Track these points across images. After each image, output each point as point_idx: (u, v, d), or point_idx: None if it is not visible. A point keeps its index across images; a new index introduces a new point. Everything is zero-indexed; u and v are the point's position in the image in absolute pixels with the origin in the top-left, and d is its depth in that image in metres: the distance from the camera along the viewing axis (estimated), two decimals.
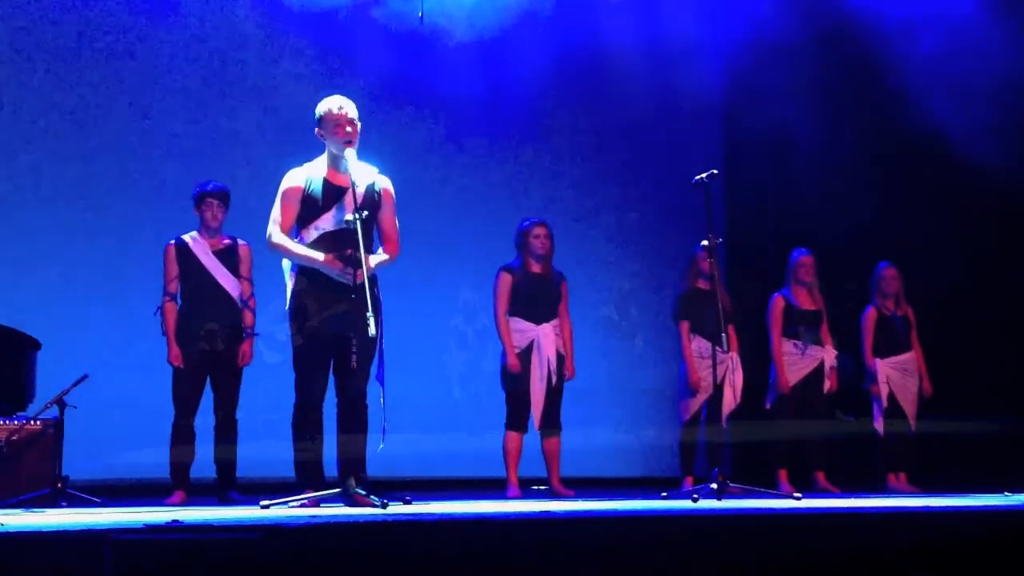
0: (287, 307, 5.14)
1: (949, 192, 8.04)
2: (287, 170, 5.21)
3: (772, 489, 6.54)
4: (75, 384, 5.85)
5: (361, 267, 4.75)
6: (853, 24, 8.18)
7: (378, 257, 5.12)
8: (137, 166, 7.63)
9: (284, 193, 5.12)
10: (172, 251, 6.20)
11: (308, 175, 5.14)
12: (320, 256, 4.98)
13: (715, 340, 6.07)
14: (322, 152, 5.18)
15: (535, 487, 7.22)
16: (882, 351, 7.31)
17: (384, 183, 5.22)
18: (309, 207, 5.08)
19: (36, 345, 5.96)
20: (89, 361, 6.34)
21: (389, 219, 5.20)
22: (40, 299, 7.17)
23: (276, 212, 5.11)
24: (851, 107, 8.45)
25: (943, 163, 8.01)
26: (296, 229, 5.12)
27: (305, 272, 5.07)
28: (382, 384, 5.03)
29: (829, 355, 7.17)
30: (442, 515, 4.14)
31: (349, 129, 5.06)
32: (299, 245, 5.06)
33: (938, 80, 7.65)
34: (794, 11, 8.38)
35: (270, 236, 5.08)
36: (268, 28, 8.05)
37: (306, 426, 5.10)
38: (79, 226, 7.44)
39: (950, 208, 8.04)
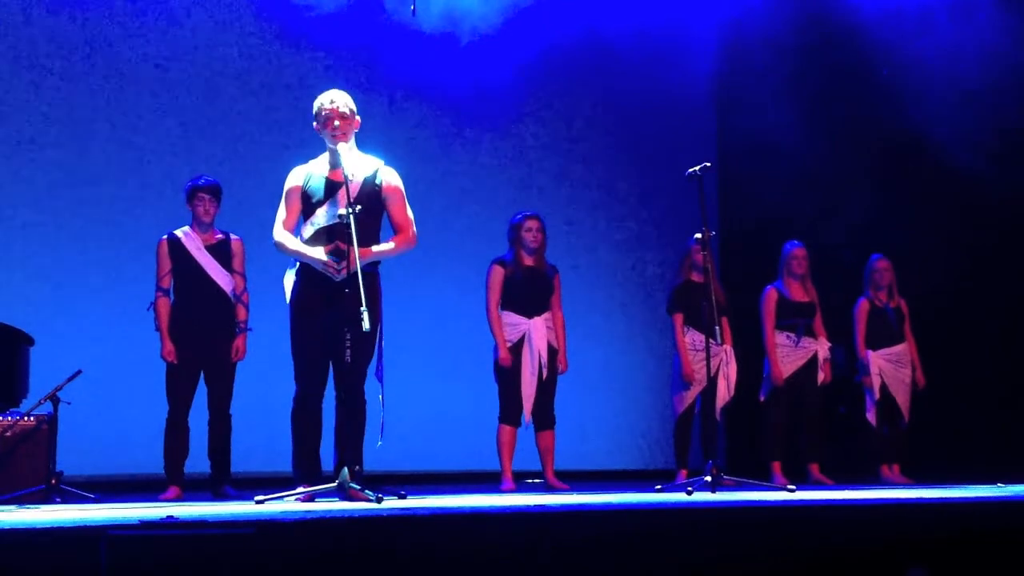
0: (287, 301, 5.16)
1: (942, 184, 8.06)
2: (281, 165, 5.23)
3: (766, 481, 6.55)
4: (69, 380, 5.84)
5: (355, 259, 4.76)
6: (847, 16, 8.19)
7: (381, 247, 5.11)
8: (130, 161, 7.62)
9: (286, 192, 5.18)
10: (164, 246, 6.18)
11: (308, 171, 5.17)
12: (319, 254, 4.99)
13: (709, 333, 6.08)
14: (323, 147, 5.18)
15: (529, 480, 7.23)
16: (874, 343, 7.32)
17: (387, 175, 5.21)
18: (308, 202, 5.11)
19: (29, 341, 5.95)
20: (83, 357, 6.33)
21: (397, 210, 5.19)
22: (33, 295, 7.16)
23: (280, 211, 5.16)
24: (845, 100, 8.47)
25: (936, 156, 8.02)
26: (298, 226, 5.14)
27: (305, 267, 5.08)
28: (381, 381, 5.04)
29: (822, 347, 7.18)
30: (436, 509, 4.14)
31: (338, 123, 5.06)
32: (296, 241, 5.07)
33: (931, 74, 7.66)
34: (787, 4, 8.39)
35: (273, 236, 5.13)
36: (264, 23, 8.04)
37: (304, 421, 5.10)
38: (72, 221, 7.43)
39: (943, 200, 8.06)
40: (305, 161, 5.24)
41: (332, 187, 5.08)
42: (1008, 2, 7.57)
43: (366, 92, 8.06)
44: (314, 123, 5.15)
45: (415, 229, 5.20)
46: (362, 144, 5.25)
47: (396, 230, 5.21)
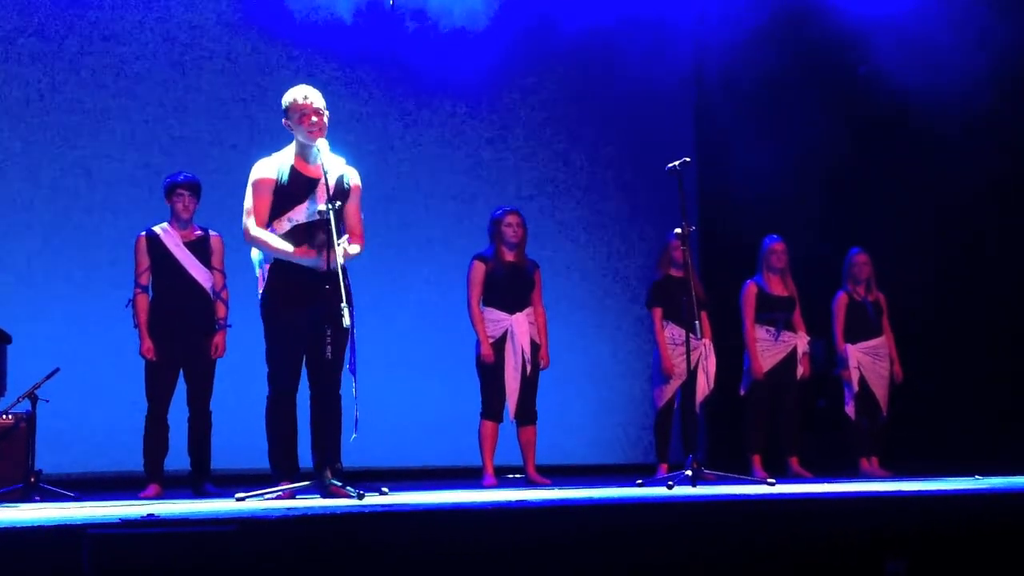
0: (260, 298, 5.13)
1: (920, 179, 8.11)
2: (258, 159, 5.18)
3: (746, 475, 6.58)
4: (47, 378, 5.81)
5: (334, 256, 4.75)
6: (825, 9, 8.22)
7: (354, 247, 5.10)
8: (108, 157, 7.57)
9: (256, 184, 5.08)
10: (143, 243, 6.15)
11: (279, 165, 5.11)
12: (291, 248, 4.97)
13: (689, 328, 6.09)
14: (290, 142, 5.15)
15: (511, 475, 7.24)
16: (853, 336, 7.36)
17: (352, 175, 5.20)
18: (281, 198, 5.05)
19: (6, 339, 5.91)
20: (61, 354, 6.29)
21: (355, 212, 5.18)
22: (10, 292, 7.11)
23: (249, 203, 5.07)
24: (824, 93, 8.49)
25: (917, 150, 8.08)
26: (267, 221, 5.08)
27: (278, 264, 5.05)
28: (354, 375, 5.03)
29: (802, 341, 7.21)
30: (418, 505, 4.14)
31: (315, 119, 5.03)
32: (277, 238, 5.04)
33: (912, 65, 7.70)
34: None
35: (247, 228, 5.05)
36: (238, 17, 8.00)
37: (280, 418, 5.09)
38: (49, 218, 7.38)
39: (923, 195, 8.11)
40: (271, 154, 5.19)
41: (307, 183, 5.05)
42: (979, 3, 7.63)
43: (345, 87, 8.04)
44: (284, 119, 5.11)
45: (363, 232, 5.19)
46: (341, 140, 5.23)
47: (349, 232, 5.16)
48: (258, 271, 5.16)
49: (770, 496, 4.86)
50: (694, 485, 5.56)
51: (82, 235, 7.42)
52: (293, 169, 5.08)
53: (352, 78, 8.22)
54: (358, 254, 5.13)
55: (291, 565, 3.43)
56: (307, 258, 4.95)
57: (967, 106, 7.50)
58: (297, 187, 5.05)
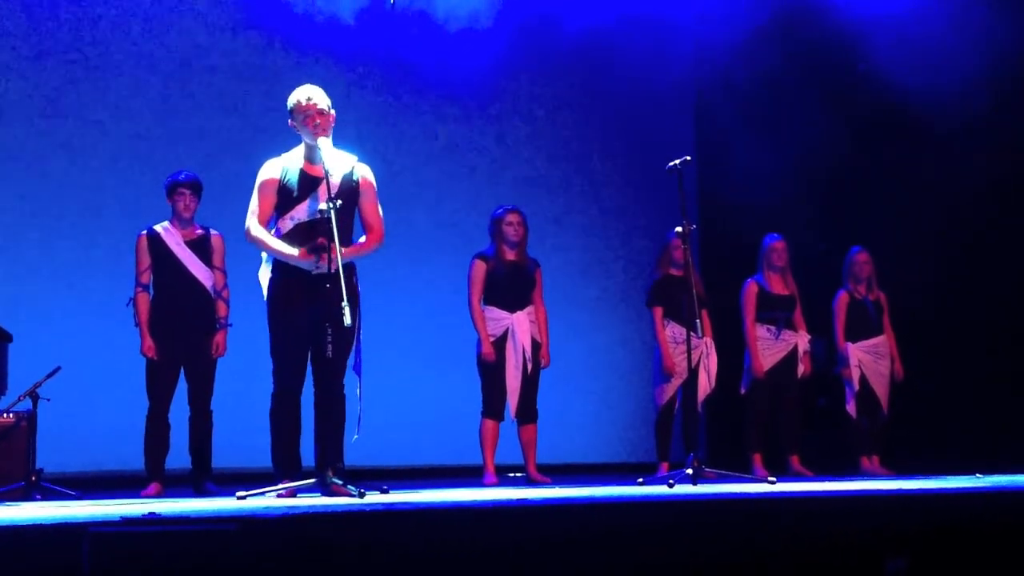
0: (264, 297, 5.14)
1: (922, 179, 8.11)
2: (259, 159, 5.20)
3: (747, 473, 6.59)
4: (48, 376, 5.82)
5: (335, 256, 4.76)
6: (824, 9, 8.23)
7: (353, 248, 5.11)
8: (109, 155, 7.57)
9: (261, 184, 5.12)
10: (144, 242, 6.15)
11: (285, 165, 5.14)
12: (295, 252, 4.99)
13: (690, 326, 6.10)
14: (299, 142, 5.17)
15: (512, 474, 7.25)
16: (854, 335, 7.36)
17: (363, 171, 5.21)
18: (285, 197, 5.08)
19: (7, 337, 5.92)
20: (62, 353, 6.30)
21: (370, 208, 5.20)
22: (11, 291, 7.11)
23: (254, 203, 5.11)
24: (824, 93, 8.49)
25: (917, 150, 8.08)
26: (273, 219, 5.12)
27: (279, 263, 5.07)
28: (358, 375, 5.05)
29: (802, 340, 7.22)
30: (419, 504, 4.15)
31: (319, 120, 5.05)
32: (275, 239, 5.06)
33: (912, 65, 7.70)
34: None
35: (248, 228, 5.08)
36: (239, 17, 8.00)
37: (283, 416, 5.10)
38: (50, 217, 7.38)
39: (923, 195, 8.10)
40: (279, 154, 5.21)
41: (311, 182, 5.07)
42: (979, 3, 7.64)
43: (347, 87, 8.04)
44: (289, 120, 5.13)
45: (384, 228, 5.20)
46: (343, 139, 5.24)
47: (367, 228, 5.20)
48: (265, 268, 5.18)
49: (771, 495, 4.87)
50: (695, 484, 5.56)
51: (83, 234, 7.42)
52: (299, 169, 5.11)
53: (352, 78, 8.22)
54: (367, 250, 5.13)
55: (292, 564, 3.44)
56: (304, 261, 4.96)
57: (967, 106, 7.50)
58: (301, 186, 5.08)
